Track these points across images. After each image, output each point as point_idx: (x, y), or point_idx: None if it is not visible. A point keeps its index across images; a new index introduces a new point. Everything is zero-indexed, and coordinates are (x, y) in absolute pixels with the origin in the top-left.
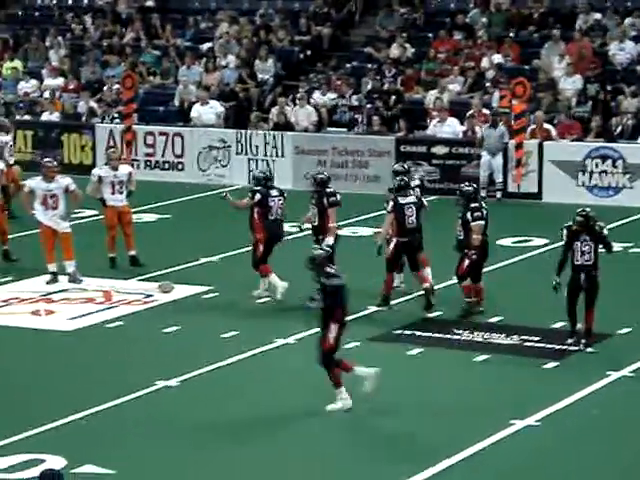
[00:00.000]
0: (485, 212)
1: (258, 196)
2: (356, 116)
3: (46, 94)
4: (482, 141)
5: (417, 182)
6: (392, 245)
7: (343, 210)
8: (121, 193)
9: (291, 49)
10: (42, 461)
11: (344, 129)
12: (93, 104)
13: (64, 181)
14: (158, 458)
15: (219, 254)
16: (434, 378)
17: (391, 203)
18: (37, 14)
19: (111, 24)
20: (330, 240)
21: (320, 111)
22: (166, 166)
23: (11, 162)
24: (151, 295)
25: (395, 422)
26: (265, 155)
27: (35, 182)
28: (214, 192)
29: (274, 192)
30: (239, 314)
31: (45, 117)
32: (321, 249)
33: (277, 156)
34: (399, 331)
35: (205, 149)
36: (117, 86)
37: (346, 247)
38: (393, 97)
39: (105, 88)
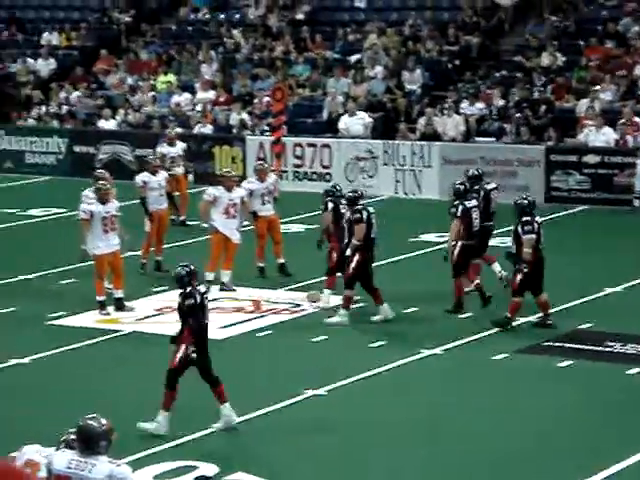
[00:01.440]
0: (537, 226)
1: (331, 205)
2: (505, 125)
3: (198, 107)
4: (637, 149)
5: (493, 185)
6: (458, 249)
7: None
8: (269, 202)
9: (439, 59)
10: (195, 468)
11: (492, 139)
12: (244, 116)
13: (241, 191)
14: (307, 466)
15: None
16: (585, 391)
17: (460, 207)
18: (190, 29)
19: (262, 37)
20: (347, 252)
21: (468, 121)
22: (314, 177)
23: (174, 172)
24: (299, 305)
25: (547, 433)
26: (412, 165)
27: (219, 191)
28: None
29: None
30: (386, 324)
31: (197, 130)
32: (184, 267)
33: (424, 166)
34: (549, 343)
35: (352, 160)
36: (267, 99)
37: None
38: (543, 106)
39: (255, 101)
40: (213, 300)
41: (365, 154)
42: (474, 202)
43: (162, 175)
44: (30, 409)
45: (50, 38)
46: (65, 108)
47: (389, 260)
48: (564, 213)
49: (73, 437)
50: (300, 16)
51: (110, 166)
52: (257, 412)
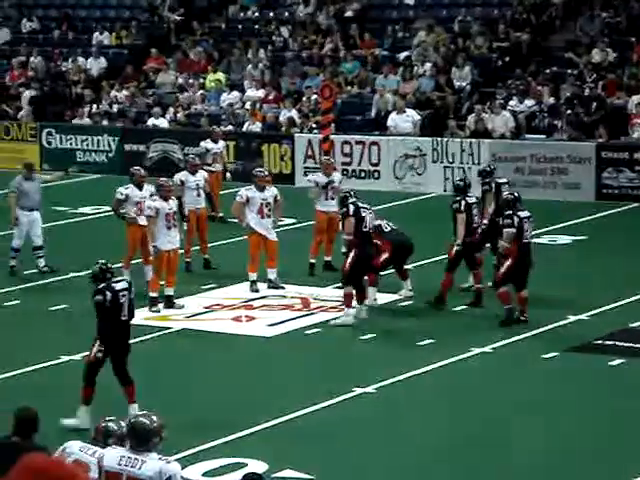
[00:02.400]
0: (517, 220)
1: (352, 207)
2: (555, 122)
3: (247, 105)
4: None
5: (504, 180)
6: (456, 246)
7: (541, 218)
8: (333, 199)
9: (489, 56)
10: (244, 465)
11: (543, 136)
12: (294, 113)
13: (274, 190)
14: (356, 464)
15: (415, 262)
16: (637, 389)
17: (463, 202)
18: (239, 27)
19: (312, 35)
20: (343, 249)
21: (518, 118)
22: (362, 175)
23: (213, 169)
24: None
25: (600, 432)
26: (461, 163)
27: (251, 191)
28: (410, 200)
29: (365, 204)
30: (436, 322)
31: (246, 128)
32: (99, 264)
33: (473, 163)
34: (599, 341)
35: (401, 157)
36: (315, 96)
37: (542, 255)
38: (594, 103)
39: (304, 99)
40: (261, 298)
41: (414, 152)
42: (474, 199)
43: (201, 175)
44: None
45: (101, 38)
46: (115, 106)
47: (437, 258)
48: (615, 210)
49: (112, 425)
50: (349, 13)
51: (160, 164)
52: (306, 410)
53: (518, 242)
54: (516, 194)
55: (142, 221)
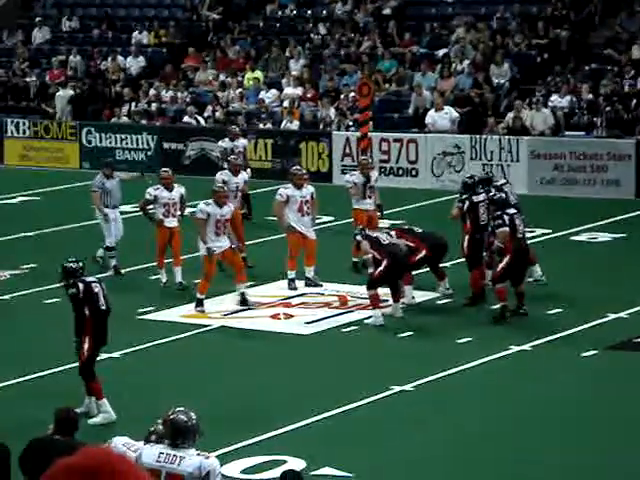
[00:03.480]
0: (507, 218)
1: (359, 236)
2: (594, 119)
3: (285, 103)
4: None
5: (503, 180)
6: (466, 242)
7: (580, 216)
8: (370, 197)
9: (528, 53)
10: (283, 462)
11: (582, 132)
12: (331, 111)
13: (311, 188)
14: (395, 462)
15: (452, 260)
16: None
17: (467, 203)
18: (277, 25)
19: (349, 33)
20: (369, 269)
21: (557, 114)
22: (400, 172)
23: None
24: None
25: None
26: (500, 160)
27: (290, 190)
28: (448, 198)
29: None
30: (474, 319)
31: (284, 126)
32: (71, 261)
33: (512, 161)
34: (639, 339)
35: (439, 155)
36: (353, 94)
37: (581, 253)
38: (634, 99)
39: (342, 96)
40: (299, 295)
41: (452, 149)
42: (482, 197)
43: (242, 176)
44: (120, 402)
45: (140, 37)
46: (154, 105)
47: None
48: None
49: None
50: (387, 11)
51: (198, 162)
52: (344, 407)
53: (513, 238)
54: (503, 195)
55: (169, 223)
